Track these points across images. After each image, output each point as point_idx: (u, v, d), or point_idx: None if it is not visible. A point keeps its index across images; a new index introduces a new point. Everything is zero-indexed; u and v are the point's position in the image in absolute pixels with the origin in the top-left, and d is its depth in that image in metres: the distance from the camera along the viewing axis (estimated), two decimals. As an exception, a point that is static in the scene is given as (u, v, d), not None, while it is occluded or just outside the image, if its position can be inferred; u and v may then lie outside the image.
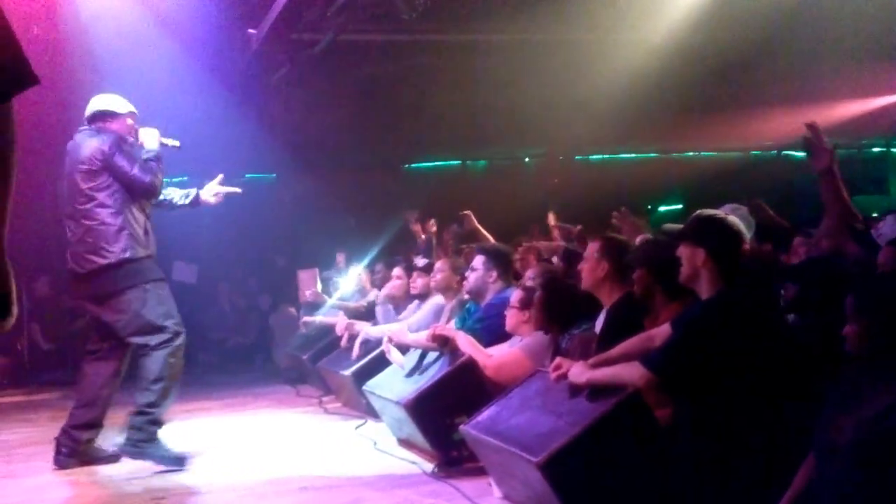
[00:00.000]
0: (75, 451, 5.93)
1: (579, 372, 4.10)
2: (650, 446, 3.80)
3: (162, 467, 5.69)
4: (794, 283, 5.01)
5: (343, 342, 7.96)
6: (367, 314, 8.78)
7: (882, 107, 13.18)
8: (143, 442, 5.75)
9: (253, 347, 12.60)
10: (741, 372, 3.60)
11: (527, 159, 15.55)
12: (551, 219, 8.06)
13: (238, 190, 6.63)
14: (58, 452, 5.94)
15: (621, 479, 3.82)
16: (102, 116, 6.01)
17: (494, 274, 6.23)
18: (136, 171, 5.80)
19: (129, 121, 6.11)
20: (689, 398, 3.74)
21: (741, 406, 3.57)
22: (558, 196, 12.89)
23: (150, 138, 6.07)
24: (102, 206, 5.77)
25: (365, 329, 7.66)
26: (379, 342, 6.81)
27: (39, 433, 7.36)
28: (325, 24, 8.78)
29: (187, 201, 6.45)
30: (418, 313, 7.43)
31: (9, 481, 5.69)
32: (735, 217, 4.14)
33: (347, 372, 7.40)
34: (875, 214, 6.41)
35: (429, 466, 5.32)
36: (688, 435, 3.69)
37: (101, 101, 6.07)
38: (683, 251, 3.90)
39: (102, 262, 5.75)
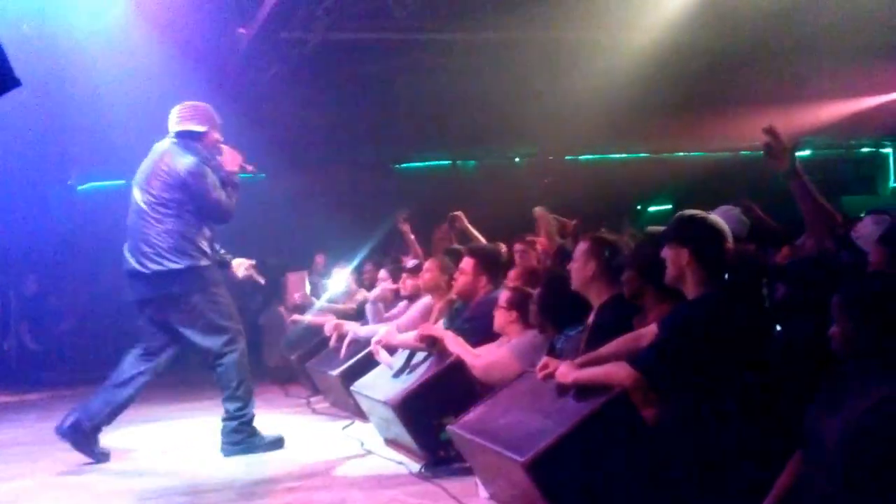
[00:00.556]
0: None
1: (566, 372, 4.10)
2: (637, 446, 3.79)
3: (265, 453, 6.03)
4: (784, 284, 5.01)
5: (332, 342, 7.95)
6: (357, 315, 8.78)
7: (871, 107, 13.21)
8: (245, 439, 6.06)
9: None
10: (727, 371, 3.61)
11: (517, 159, 15.54)
12: (538, 211, 7.97)
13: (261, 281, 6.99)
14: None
15: (608, 479, 3.81)
16: (190, 136, 6.11)
17: (484, 279, 6.23)
18: (213, 197, 6.02)
19: (216, 135, 6.23)
20: (676, 397, 3.73)
21: (727, 405, 3.57)
22: (549, 196, 12.88)
23: (231, 161, 6.25)
24: (179, 216, 5.96)
25: (353, 329, 7.64)
26: (367, 342, 6.80)
27: (27, 434, 7.37)
28: (315, 23, 8.77)
29: (219, 258, 6.50)
30: (407, 313, 7.42)
31: (-5, 482, 5.67)
32: (718, 216, 4.14)
33: (335, 372, 7.39)
34: (863, 215, 6.41)
35: (416, 467, 5.31)
36: (674, 434, 3.69)
37: (189, 117, 6.14)
38: (668, 252, 3.89)
39: (168, 266, 5.93)
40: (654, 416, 3.88)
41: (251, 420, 6.14)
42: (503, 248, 7.06)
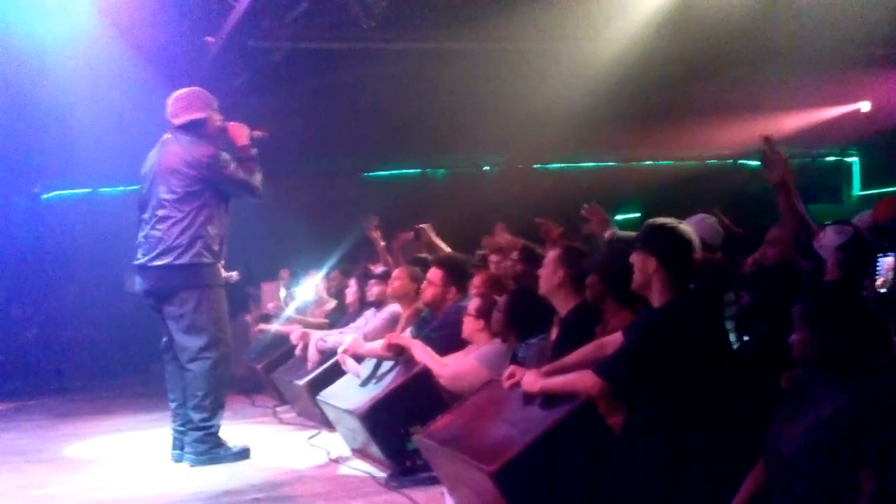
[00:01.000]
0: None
1: (532, 380, 4.10)
2: (603, 454, 3.79)
3: (231, 464, 5.97)
4: (749, 292, 5.05)
5: (297, 351, 7.93)
6: (329, 326, 8.75)
7: (836, 116, 13.34)
8: (210, 450, 6.00)
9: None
10: (691, 379, 3.61)
11: (486, 168, 15.55)
12: (499, 229, 7.98)
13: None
14: (174, 447, 6.16)
15: (574, 488, 3.82)
16: (193, 125, 6.07)
17: (453, 290, 6.25)
18: (238, 178, 6.05)
19: (216, 116, 6.19)
20: (641, 406, 3.74)
21: (691, 413, 3.58)
22: (517, 204, 12.91)
23: (240, 135, 6.21)
24: (192, 211, 5.96)
25: (319, 338, 7.61)
26: (334, 352, 6.79)
27: (-10, 444, 7.27)
28: (283, 32, 8.74)
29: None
30: (373, 321, 7.41)
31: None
32: (692, 224, 4.16)
33: (302, 382, 7.35)
34: (828, 223, 6.47)
35: (383, 476, 5.29)
36: (639, 442, 3.69)
37: (186, 106, 6.10)
38: (636, 259, 3.90)
39: (178, 259, 5.95)
40: (620, 424, 3.89)
41: (216, 431, 6.09)
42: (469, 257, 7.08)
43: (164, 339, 6.27)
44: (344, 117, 11.76)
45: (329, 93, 11.03)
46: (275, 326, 9.26)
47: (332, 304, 9.61)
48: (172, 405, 6.25)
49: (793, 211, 4.97)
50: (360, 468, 5.63)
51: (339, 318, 8.85)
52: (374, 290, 7.84)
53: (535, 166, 15.24)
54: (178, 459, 6.12)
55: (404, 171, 15.16)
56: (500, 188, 14.57)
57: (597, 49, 9.58)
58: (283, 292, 10.03)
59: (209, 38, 9.30)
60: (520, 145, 13.57)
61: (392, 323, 7.13)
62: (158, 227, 6.01)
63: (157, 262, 6.01)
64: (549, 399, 4.02)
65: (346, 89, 10.94)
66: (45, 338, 11.76)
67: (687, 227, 4.00)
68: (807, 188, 14.06)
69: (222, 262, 6.22)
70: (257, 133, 6.36)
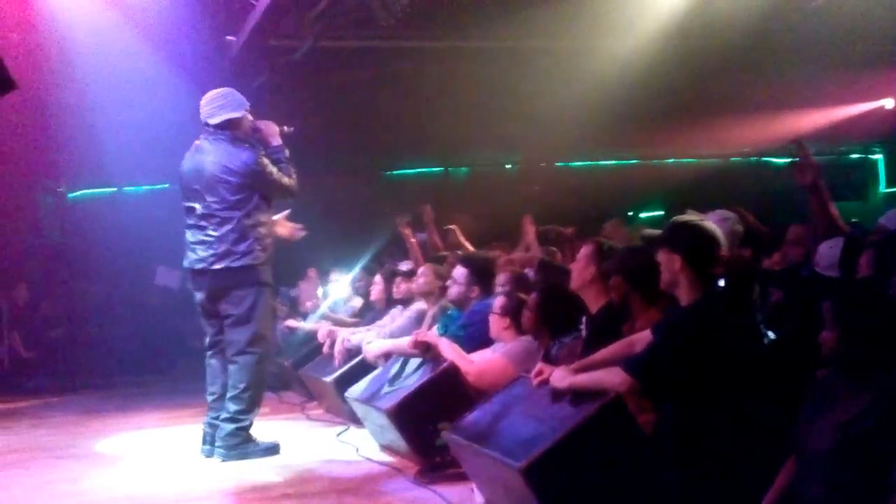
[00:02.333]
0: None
1: (561, 377, 4.11)
2: (632, 451, 3.80)
3: (261, 459, 6.03)
4: (777, 289, 5.04)
5: (325, 349, 7.97)
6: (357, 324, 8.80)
7: (860, 113, 13.27)
8: (240, 445, 6.05)
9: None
10: (721, 377, 3.61)
11: (508, 166, 15.56)
12: (527, 223, 8.02)
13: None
14: (204, 442, 6.22)
15: (603, 484, 3.82)
16: (229, 125, 6.12)
17: (476, 289, 6.29)
18: (279, 183, 6.14)
19: (249, 115, 6.26)
20: (671, 403, 3.75)
21: (722, 410, 3.58)
22: (539, 203, 12.92)
23: (272, 134, 6.29)
24: (245, 216, 6.04)
25: (345, 336, 7.65)
26: (360, 349, 6.84)
27: (19, 441, 7.35)
28: (303, 30, 8.78)
29: None
30: (399, 319, 7.44)
31: (-13, 489, 5.66)
32: (712, 222, 4.16)
33: (329, 378, 7.39)
34: (854, 220, 6.45)
35: (411, 473, 5.31)
36: (669, 439, 3.70)
37: (220, 106, 6.14)
38: (661, 258, 3.90)
39: (238, 262, 6.04)
40: (649, 421, 3.90)
41: (249, 427, 6.13)
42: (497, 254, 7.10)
43: (211, 337, 6.32)
44: (365, 116, 11.80)
45: (350, 91, 11.07)
46: (306, 325, 9.29)
47: (359, 302, 9.64)
48: (210, 398, 6.30)
49: (824, 213, 4.96)
50: (389, 464, 5.66)
51: (366, 315, 8.89)
52: (401, 287, 7.86)
53: (556, 164, 15.24)
54: (209, 455, 6.17)
55: (426, 169, 15.18)
56: (522, 186, 14.57)
57: (619, 46, 9.58)
58: (320, 290, 10.07)
59: (230, 38, 9.36)
60: (541, 143, 13.56)
61: (418, 320, 7.16)
62: (212, 232, 6.06)
63: (217, 266, 6.08)
64: (578, 396, 4.03)
65: (367, 87, 10.98)
66: (72, 335, 11.82)
67: (711, 223, 3.99)
68: (832, 186, 13.94)
69: (272, 258, 6.29)
70: (287, 129, 6.42)
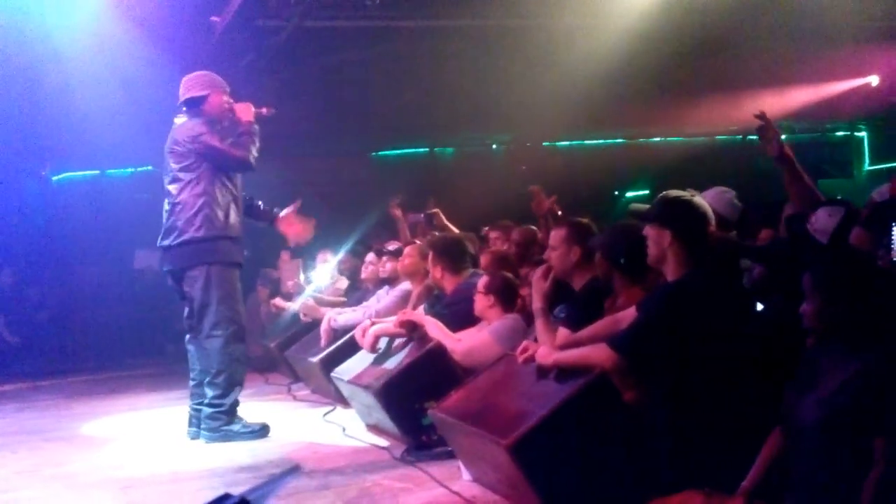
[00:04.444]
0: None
1: (546, 354, 4.13)
2: (618, 427, 3.82)
3: (248, 441, 6.03)
4: (759, 264, 5.05)
5: (303, 317, 8.19)
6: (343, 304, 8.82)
7: (845, 90, 13.27)
8: (222, 427, 6.08)
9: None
10: (707, 352, 3.62)
11: (495, 146, 15.54)
12: (537, 191, 7.89)
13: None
14: (190, 425, 6.25)
15: (589, 460, 3.85)
16: (194, 101, 6.22)
17: (440, 268, 6.28)
18: (227, 147, 6.12)
19: (224, 97, 6.30)
20: (655, 378, 3.76)
21: (707, 385, 3.59)
22: (526, 183, 12.90)
23: (244, 112, 6.30)
24: (186, 185, 6.08)
25: (332, 316, 7.65)
26: (347, 329, 6.83)
27: (6, 425, 7.34)
28: (289, 10, 8.72)
29: (266, 218, 6.76)
30: (385, 299, 7.44)
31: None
32: (710, 198, 4.15)
33: (315, 359, 7.40)
34: (839, 198, 6.46)
35: (398, 451, 5.33)
36: (654, 414, 3.71)
37: (190, 86, 6.25)
38: (650, 232, 3.89)
39: (179, 238, 6.07)
40: (634, 397, 3.91)
41: (229, 409, 6.13)
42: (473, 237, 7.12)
43: (186, 320, 6.34)
44: (351, 96, 11.74)
45: (336, 72, 11.01)
46: (292, 306, 9.29)
47: (344, 283, 9.65)
48: (192, 384, 6.32)
49: (799, 184, 4.96)
50: (376, 444, 5.68)
51: (353, 296, 8.90)
52: (387, 266, 7.87)
53: (543, 144, 15.23)
54: (194, 437, 6.20)
55: (413, 150, 15.15)
56: (509, 166, 14.56)
57: (605, 25, 9.54)
58: (301, 276, 10.06)
59: (215, 18, 9.29)
60: (528, 123, 13.53)
61: (404, 300, 7.17)
62: (167, 208, 6.17)
63: (165, 242, 6.17)
64: (563, 373, 4.05)
65: (353, 68, 10.92)
66: (58, 319, 11.82)
67: (702, 200, 3.99)
68: (817, 163, 14.13)
69: (233, 233, 6.22)
70: (265, 110, 6.43)
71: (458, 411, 4.53)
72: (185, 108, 6.28)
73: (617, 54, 9.75)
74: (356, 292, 8.88)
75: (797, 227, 4.46)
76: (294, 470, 5.28)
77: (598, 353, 3.83)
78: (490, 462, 4.16)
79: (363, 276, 8.57)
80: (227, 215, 6.16)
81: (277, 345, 9.00)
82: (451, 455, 4.90)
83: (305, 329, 8.40)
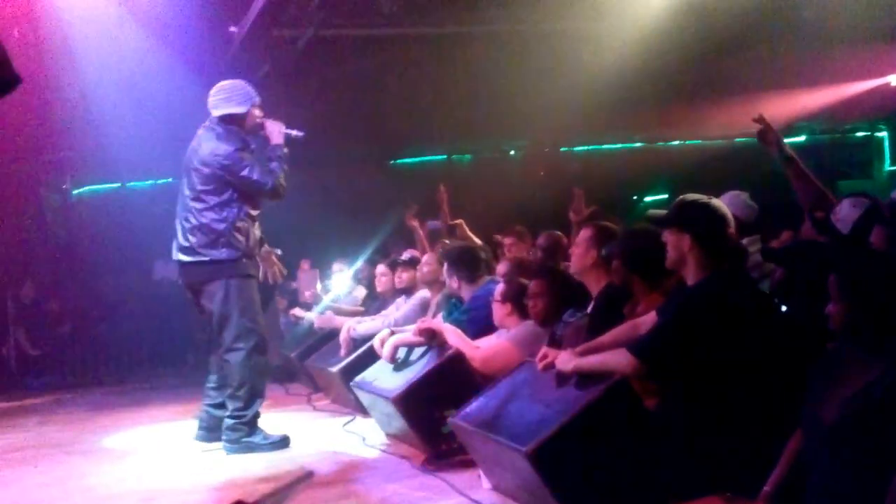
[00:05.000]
0: (216, 427, 6.25)
1: (566, 360, 4.10)
2: (639, 433, 3.79)
3: (269, 452, 6.00)
4: (781, 266, 5.01)
5: (317, 326, 8.24)
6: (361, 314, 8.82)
7: (865, 91, 13.18)
8: (243, 438, 6.05)
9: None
10: (728, 356, 3.59)
11: (512, 152, 15.52)
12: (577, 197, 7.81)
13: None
14: (199, 428, 6.31)
15: (611, 467, 3.81)
16: (231, 119, 6.11)
17: (455, 278, 6.30)
18: (256, 176, 5.99)
19: (256, 112, 6.20)
20: (676, 383, 3.73)
21: (728, 389, 3.57)
22: (544, 188, 12.90)
23: (275, 133, 6.19)
24: (210, 209, 6.00)
25: (350, 326, 7.65)
26: (366, 339, 6.83)
27: (28, 438, 7.36)
28: (306, 19, 8.75)
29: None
30: (404, 307, 7.43)
31: (-3, 486, 5.66)
32: (725, 201, 4.13)
33: (335, 368, 7.39)
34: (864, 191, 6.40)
35: (418, 461, 5.30)
36: (677, 420, 3.68)
37: (227, 98, 6.12)
38: (669, 237, 3.86)
39: (199, 258, 6.04)
40: (655, 403, 3.88)
41: (251, 421, 6.12)
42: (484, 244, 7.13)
43: (207, 334, 6.39)
44: (368, 104, 11.77)
45: (353, 80, 11.04)
46: (310, 315, 9.29)
47: (362, 292, 9.65)
48: (208, 385, 6.36)
49: (805, 184, 4.94)
50: (396, 453, 5.65)
51: (371, 305, 8.90)
52: (402, 276, 7.87)
53: (561, 149, 15.20)
54: (202, 440, 6.25)
55: (430, 157, 15.15)
56: (526, 172, 14.54)
57: (621, 29, 9.53)
58: (319, 286, 10.07)
59: (233, 28, 9.33)
60: (545, 128, 13.53)
61: (422, 308, 7.16)
62: (185, 223, 6.09)
63: (183, 258, 6.13)
64: (583, 379, 4.01)
65: (370, 76, 10.95)
66: (80, 332, 11.87)
67: (720, 202, 3.96)
68: (837, 164, 14.04)
69: (251, 252, 6.20)
70: (294, 133, 6.32)
71: (477, 419, 4.50)
72: (213, 119, 6.14)
73: (633, 58, 9.73)
74: (374, 302, 8.88)
75: (820, 218, 4.44)
76: (307, 476, 5.27)
77: (619, 359, 3.81)
78: (510, 469, 4.13)
79: (378, 289, 8.56)
80: (247, 238, 6.14)
81: (297, 355, 9.00)
82: (471, 463, 4.86)
83: (325, 339, 8.40)
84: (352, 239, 10.67)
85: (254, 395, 6.13)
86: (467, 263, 6.32)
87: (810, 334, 3.80)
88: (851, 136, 16.11)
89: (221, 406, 6.24)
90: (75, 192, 13.43)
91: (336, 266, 10.01)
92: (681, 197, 3.98)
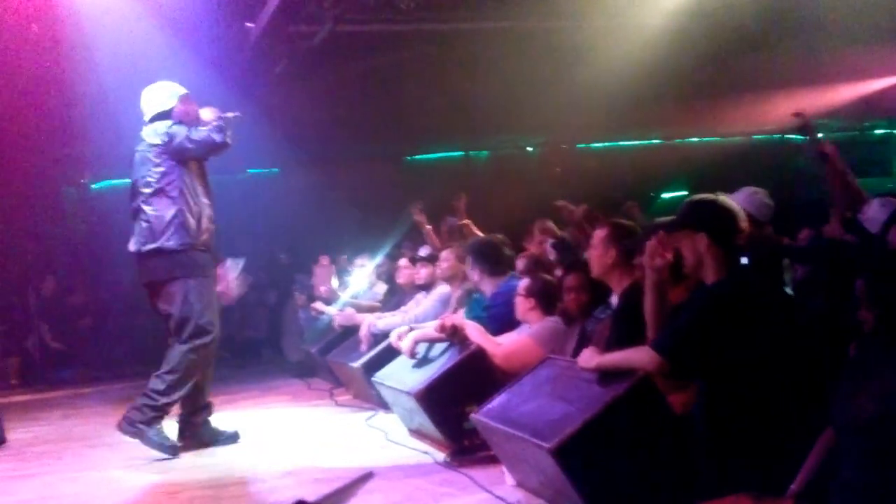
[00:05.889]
0: (195, 433, 6.28)
1: (588, 357, 4.11)
2: (662, 430, 3.80)
3: (154, 453, 5.90)
4: (803, 265, 5.01)
5: (336, 325, 8.28)
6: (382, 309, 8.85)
7: (884, 89, 13.12)
8: (140, 423, 5.96)
9: (261, 342, 12.66)
10: (751, 353, 3.59)
11: (529, 148, 15.51)
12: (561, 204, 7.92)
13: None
14: (181, 436, 6.24)
15: (634, 464, 3.82)
16: (161, 116, 6.19)
17: (478, 271, 6.27)
18: (195, 135, 6.04)
19: (185, 105, 6.24)
20: (699, 380, 3.74)
21: (752, 387, 3.57)
22: (561, 185, 12.89)
23: (208, 114, 6.23)
24: (159, 195, 6.02)
25: (371, 322, 7.68)
26: (387, 334, 6.85)
27: (50, 432, 7.43)
28: (323, 15, 8.75)
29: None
30: (424, 303, 7.45)
31: (21, 480, 5.72)
32: (741, 198, 4.13)
33: (357, 364, 7.42)
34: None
35: (441, 456, 5.34)
36: (700, 417, 3.69)
37: (152, 103, 6.23)
38: (683, 241, 3.83)
39: (153, 246, 6.02)
40: (679, 401, 3.89)
41: (158, 409, 6.02)
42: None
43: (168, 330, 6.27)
44: (385, 101, 11.77)
45: (370, 77, 11.04)
46: (330, 309, 9.32)
47: (382, 288, 9.68)
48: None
49: (841, 182, 4.93)
50: (419, 448, 5.68)
51: (391, 300, 8.93)
52: (421, 272, 7.89)
53: (578, 146, 15.18)
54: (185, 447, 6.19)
55: (447, 153, 15.16)
56: (544, 169, 14.53)
57: (638, 25, 9.51)
58: (335, 281, 10.08)
59: (249, 24, 9.35)
60: (562, 125, 13.50)
61: (443, 304, 7.18)
62: (144, 209, 6.09)
63: (139, 248, 6.12)
64: (606, 376, 4.02)
65: (386, 73, 10.95)
66: (100, 326, 11.92)
67: (726, 198, 3.95)
68: (856, 162, 13.95)
69: (206, 240, 6.17)
70: (229, 114, 6.29)
71: (500, 415, 4.52)
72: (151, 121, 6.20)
73: (650, 54, 9.71)
74: (394, 297, 8.91)
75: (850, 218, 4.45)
76: (367, 477, 5.26)
77: (642, 356, 3.81)
78: (533, 466, 4.15)
79: (399, 281, 8.59)
80: (199, 223, 6.10)
81: (318, 350, 9.04)
82: (494, 459, 4.89)
83: (345, 334, 8.43)
84: (368, 235, 10.69)
85: (177, 386, 6.04)
86: (490, 258, 6.33)
87: (832, 332, 3.81)
88: (870, 133, 16.05)
89: (199, 412, 6.27)
90: (94, 186, 13.49)
91: (358, 261, 10.03)
92: (687, 199, 3.97)
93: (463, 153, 15.32)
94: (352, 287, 9.84)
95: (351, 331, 8.23)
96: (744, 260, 3.96)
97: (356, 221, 12.88)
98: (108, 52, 9.21)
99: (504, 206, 10.97)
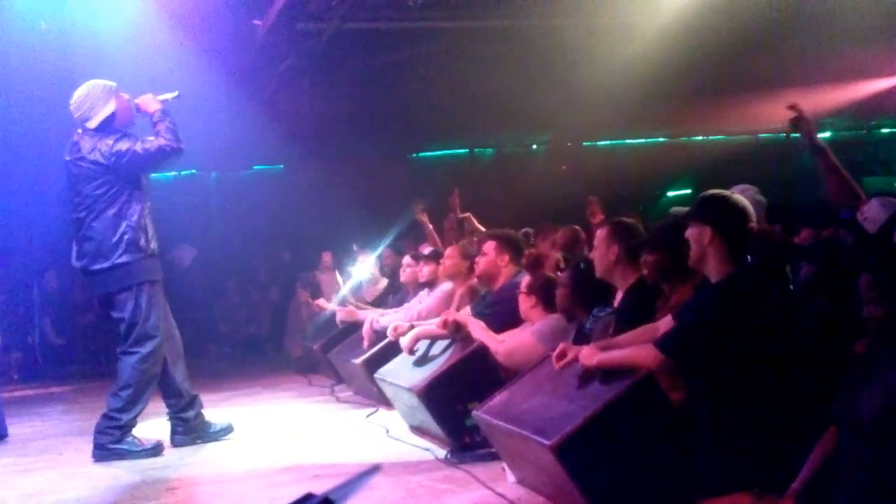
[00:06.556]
0: (188, 428, 6.24)
1: (590, 354, 4.09)
2: (664, 428, 3.78)
3: (139, 459, 5.84)
4: (809, 264, 4.99)
5: (339, 322, 8.26)
6: (380, 304, 8.84)
7: (890, 88, 13.09)
8: (111, 445, 5.91)
9: (265, 338, 12.66)
10: (754, 352, 3.58)
11: (534, 146, 15.50)
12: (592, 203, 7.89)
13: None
14: (174, 433, 6.23)
15: (635, 461, 3.81)
16: (108, 121, 5.98)
17: (506, 257, 6.22)
18: (142, 146, 5.84)
19: (120, 102, 6.03)
20: (702, 378, 3.72)
21: (754, 385, 3.55)
22: (567, 183, 12.89)
23: (148, 103, 6.06)
24: (104, 213, 5.87)
25: (373, 318, 7.68)
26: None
27: (52, 426, 7.43)
28: (329, 13, 8.76)
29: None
30: (427, 300, 7.44)
31: (22, 474, 5.71)
32: (741, 196, 4.11)
33: (358, 360, 7.42)
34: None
35: (442, 453, 5.32)
36: (702, 415, 3.67)
37: (90, 108, 5.95)
38: (691, 232, 3.84)
39: (105, 264, 5.91)
40: (681, 398, 3.87)
41: (123, 426, 5.95)
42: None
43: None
44: (392, 98, 11.79)
45: (376, 73, 11.06)
46: (332, 305, 9.32)
47: (384, 282, 9.68)
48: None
49: (835, 176, 4.90)
50: (420, 445, 5.67)
51: (393, 297, 8.92)
52: (424, 270, 7.88)
53: (584, 144, 15.17)
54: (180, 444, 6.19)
55: (453, 150, 15.16)
56: (549, 167, 14.52)
57: (644, 24, 9.50)
58: (340, 280, 10.09)
59: (257, 21, 9.35)
60: (568, 123, 13.51)
61: (446, 301, 7.17)
62: (88, 230, 5.94)
63: (85, 265, 5.99)
64: (608, 373, 4.01)
65: (393, 70, 10.96)
66: (102, 321, 11.92)
67: (741, 196, 3.95)
68: (862, 161, 13.96)
69: (154, 247, 6.09)
70: (166, 96, 6.15)
71: (501, 412, 4.50)
72: (92, 131, 5.95)
73: (656, 53, 9.70)
74: (396, 293, 8.90)
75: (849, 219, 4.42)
76: (374, 470, 5.25)
77: (644, 354, 3.80)
78: (534, 463, 4.13)
79: (402, 278, 8.58)
80: (146, 235, 6.00)
81: (321, 346, 9.04)
82: (495, 456, 4.88)
83: (347, 330, 8.43)
84: (373, 232, 10.69)
85: (135, 400, 5.98)
86: (515, 247, 6.29)
87: (835, 331, 3.79)
88: (877, 132, 16.01)
89: (187, 407, 6.25)
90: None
91: (360, 257, 10.03)
92: (701, 193, 3.97)
93: (468, 150, 15.31)
94: (354, 278, 9.84)
95: (353, 328, 8.23)
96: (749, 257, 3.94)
97: (361, 218, 12.88)
98: (116, 49, 9.21)
99: (509, 203, 10.96)
